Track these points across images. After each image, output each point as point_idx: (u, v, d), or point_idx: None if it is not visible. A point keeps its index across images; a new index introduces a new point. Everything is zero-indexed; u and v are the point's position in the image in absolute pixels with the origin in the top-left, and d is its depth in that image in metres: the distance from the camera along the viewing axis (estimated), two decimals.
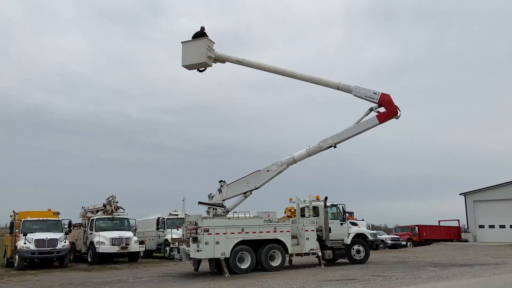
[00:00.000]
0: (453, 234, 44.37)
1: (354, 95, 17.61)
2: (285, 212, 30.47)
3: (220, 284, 12.97)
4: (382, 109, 17.39)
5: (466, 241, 42.45)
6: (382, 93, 17.25)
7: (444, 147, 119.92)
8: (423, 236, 42.19)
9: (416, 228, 42.44)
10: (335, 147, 17.60)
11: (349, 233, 19.64)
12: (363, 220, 38.26)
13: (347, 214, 20.93)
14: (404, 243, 39.80)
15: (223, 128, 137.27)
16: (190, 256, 16.25)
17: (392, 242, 38.36)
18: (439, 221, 47.40)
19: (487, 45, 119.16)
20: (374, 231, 38.00)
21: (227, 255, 15.71)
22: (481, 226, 43.38)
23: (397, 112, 17.25)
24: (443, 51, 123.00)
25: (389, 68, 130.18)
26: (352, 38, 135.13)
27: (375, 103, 17.38)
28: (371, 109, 17.57)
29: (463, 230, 45.76)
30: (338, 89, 17.79)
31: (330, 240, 18.94)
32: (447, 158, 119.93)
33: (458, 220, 46.63)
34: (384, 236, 39.34)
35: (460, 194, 46.56)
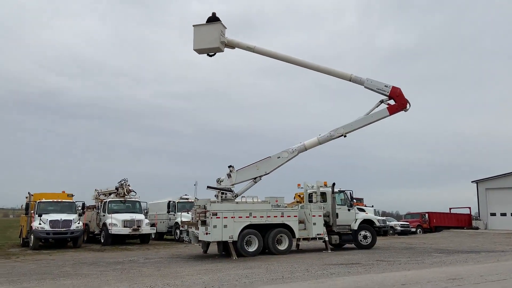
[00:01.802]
0: (464, 222, 44.29)
1: (365, 87, 18.06)
2: (294, 198, 30.70)
3: (228, 266, 13.32)
4: (391, 102, 17.89)
5: (477, 228, 42.39)
6: (393, 86, 17.74)
7: (459, 134, 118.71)
8: (433, 223, 42.23)
9: (426, 215, 42.49)
10: (345, 136, 18.08)
11: (356, 219, 19.83)
12: (372, 206, 38.44)
13: (354, 200, 21.09)
14: (413, 229, 39.93)
15: (234, 114, 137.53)
16: (199, 239, 16.68)
17: (401, 228, 38.47)
18: (450, 209, 47.34)
19: (504, 30, 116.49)
20: (384, 218, 38.26)
21: (235, 238, 16.05)
22: (493, 214, 43.22)
23: (407, 105, 17.74)
24: (460, 36, 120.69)
25: (404, 54, 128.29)
26: (366, 23, 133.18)
27: (386, 95, 17.88)
28: (381, 101, 18.08)
29: (474, 217, 45.65)
30: (350, 81, 18.18)
31: (337, 226, 19.14)
32: (461, 144, 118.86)
33: (470, 208, 46.54)
34: (393, 223, 39.49)
35: (472, 181, 46.35)
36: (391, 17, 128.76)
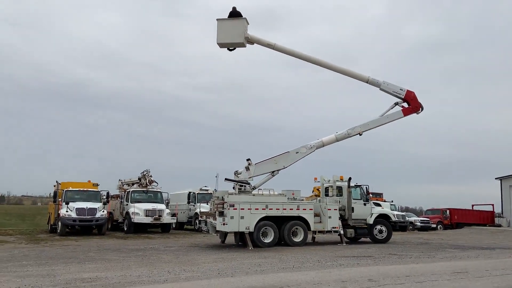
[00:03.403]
0: (486, 219, 43.68)
1: (381, 89, 18.81)
2: (313, 191, 31.05)
3: (243, 255, 13.85)
4: (405, 104, 18.74)
5: (500, 226, 41.79)
6: (408, 90, 18.63)
7: (485, 129, 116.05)
8: (455, 219, 41.80)
9: (448, 211, 42.09)
10: (360, 134, 18.81)
11: (372, 213, 20.09)
12: (392, 201, 38.44)
13: (370, 195, 21.33)
14: (434, 225, 39.66)
15: (256, 107, 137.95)
16: (216, 229, 17.25)
17: (421, 224, 38.23)
18: (472, 205, 46.74)
19: None
20: (403, 213, 38.14)
21: (251, 229, 16.57)
22: None
23: (420, 108, 18.66)
24: (491, 28, 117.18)
25: (432, 46, 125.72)
26: (393, 14, 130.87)
27: (401, 98, 18.72)
28: (396, 103, 18.88)
29: (497, 215, 44.98)
30: (367, 83, 18.84)
31: (353, 220, 19.43)
32: (487, 140, 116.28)
33: (493, 205, 45.83)
34: (413, 218, 39.28)
35: (496, 178, 45.66)
36: (418, 8, 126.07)
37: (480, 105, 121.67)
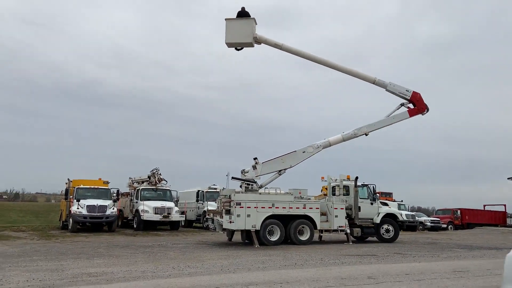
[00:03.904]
0: (498, 219, 43.33)
1: (387, 90, 18.95)
2: (321, 191, 31.05)
3: (248, 253, 14.05)
4: (411, 105, 18.89)
5: None
6: (414, 91, 18.79)
7: (498, 128, 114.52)
8: (466, 220, 41.52)
9: (458, 211, 41.80)
10: (367, 135, 18.98)
11: (379, 213, 20.13)
12: (401, 201, 38.29)
13: (378, 195, 21.33)
14: (444, 226, 39.41)
15: (266, 106, 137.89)
16: (223, 227, 17.48)
17: (431, 224, 38.03)
18: (484, 205, 46.32)
19: None
20: (413, 213, 37.98)
21: (258, 227, 16.74)
22: None
23: (425, 110, 18.80)
24: (504, 26, 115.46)
25: (444, 44, 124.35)
26: (406, 12, 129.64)
27: (407, 99, 18.86)
28: (402, 104, 19.06)
29: (510, 215, 44.53)
30: (374, 84, 18.98)
31: (360, 219, 19.49)
32: (500, 140, 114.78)
33: (505, 205, 45.39)
34: (423, 218, 39.07)
35: (508, 178, 45.08)
36: (430, 7, 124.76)
37: (492, 104, 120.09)
